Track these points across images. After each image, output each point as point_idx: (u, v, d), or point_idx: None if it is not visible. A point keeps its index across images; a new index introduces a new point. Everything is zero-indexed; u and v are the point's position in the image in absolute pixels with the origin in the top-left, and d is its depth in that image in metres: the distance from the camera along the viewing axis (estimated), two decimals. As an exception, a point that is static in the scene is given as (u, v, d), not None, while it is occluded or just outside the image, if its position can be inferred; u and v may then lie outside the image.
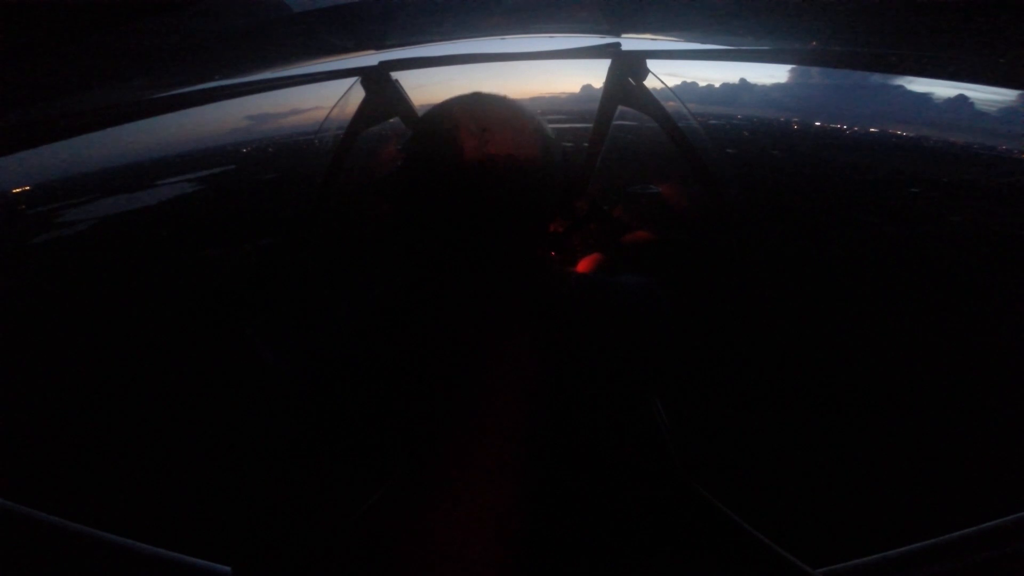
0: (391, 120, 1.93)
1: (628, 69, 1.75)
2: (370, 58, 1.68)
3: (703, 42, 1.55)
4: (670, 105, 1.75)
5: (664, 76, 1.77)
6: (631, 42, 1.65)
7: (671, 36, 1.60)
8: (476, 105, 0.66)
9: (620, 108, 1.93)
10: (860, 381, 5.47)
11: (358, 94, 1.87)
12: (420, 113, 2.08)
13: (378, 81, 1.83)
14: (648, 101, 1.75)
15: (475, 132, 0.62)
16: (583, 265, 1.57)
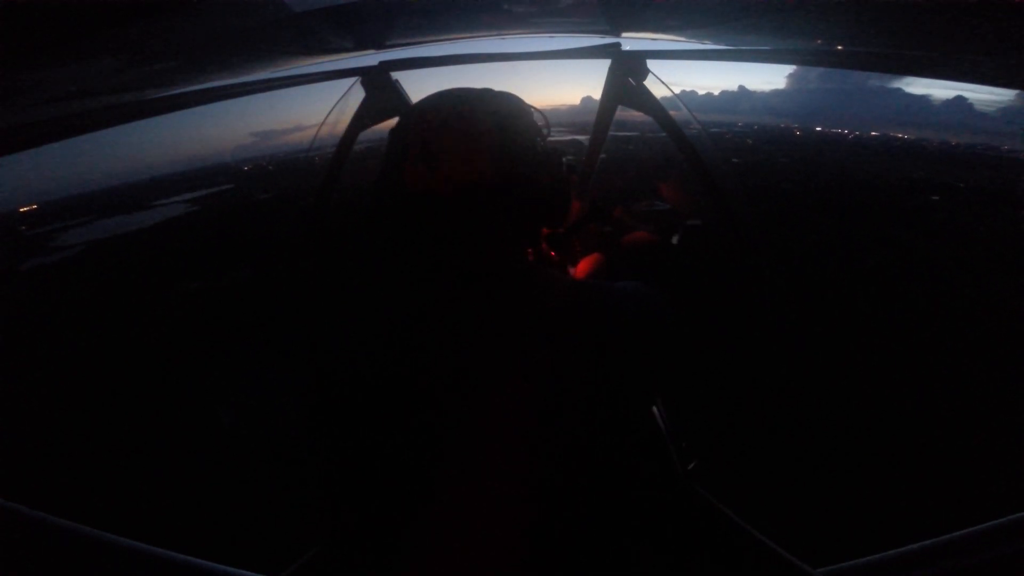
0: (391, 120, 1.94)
1: (628, 69, 1.76)
2: (370, 58, 1.68)
3: (704, 42, 1.55)
4: (673, 113, 1.75)
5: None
6: (631, 42, 1.65)
7: (671, 36, 1.59)
8: (455, 103, 0.63)
9: (620, 118, 1.93)
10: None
11: (358, 95, 1.87)
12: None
13: (378, 81, 1.83)
14: (648, 101, 1.75)
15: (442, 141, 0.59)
16: (583, 266, 1.56)
